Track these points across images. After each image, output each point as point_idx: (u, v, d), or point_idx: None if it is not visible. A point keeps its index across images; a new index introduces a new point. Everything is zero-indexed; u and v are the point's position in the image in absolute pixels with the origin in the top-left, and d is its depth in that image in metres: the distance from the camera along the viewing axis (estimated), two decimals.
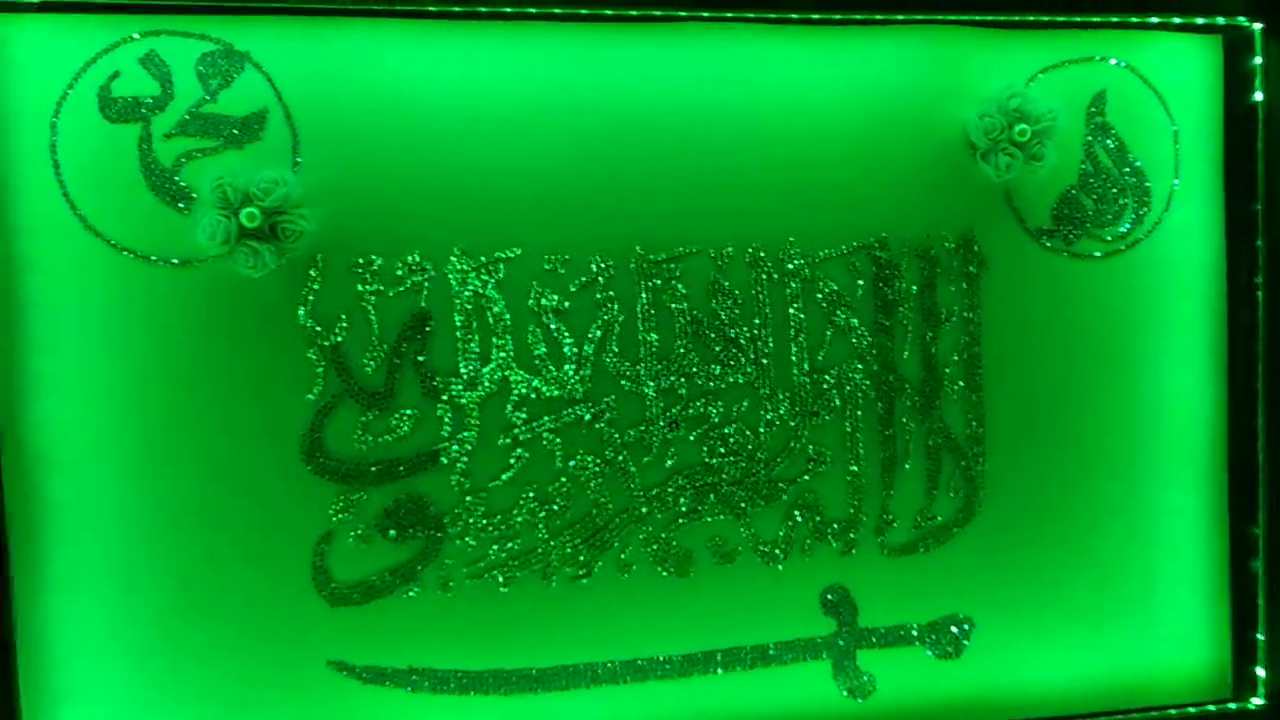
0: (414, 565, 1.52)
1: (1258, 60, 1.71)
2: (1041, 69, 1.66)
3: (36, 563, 1.42)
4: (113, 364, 1.42)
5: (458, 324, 1.51)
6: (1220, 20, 1.70)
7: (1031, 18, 1.65)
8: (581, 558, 1.56)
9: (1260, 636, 1.76)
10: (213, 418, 1.45)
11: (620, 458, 1.56)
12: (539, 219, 1.52)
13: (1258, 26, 1.70)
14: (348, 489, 1.49)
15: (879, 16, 1.59)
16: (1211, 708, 1.77)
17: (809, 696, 1.65)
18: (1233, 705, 1.77)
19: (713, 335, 1.58)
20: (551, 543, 1.55)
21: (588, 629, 1.57)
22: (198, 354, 1.44)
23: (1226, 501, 1.77)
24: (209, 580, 1.46)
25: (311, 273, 1.46)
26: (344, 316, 1.47)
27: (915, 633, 1.68)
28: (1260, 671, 1.76)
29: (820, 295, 1.61)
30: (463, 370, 1.51)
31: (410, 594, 1.52)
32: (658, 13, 1.54)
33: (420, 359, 1.50)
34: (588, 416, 1.55)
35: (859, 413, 1.63)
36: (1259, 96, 1.71)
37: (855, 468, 1.64)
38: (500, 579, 1.54)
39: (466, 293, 1.51)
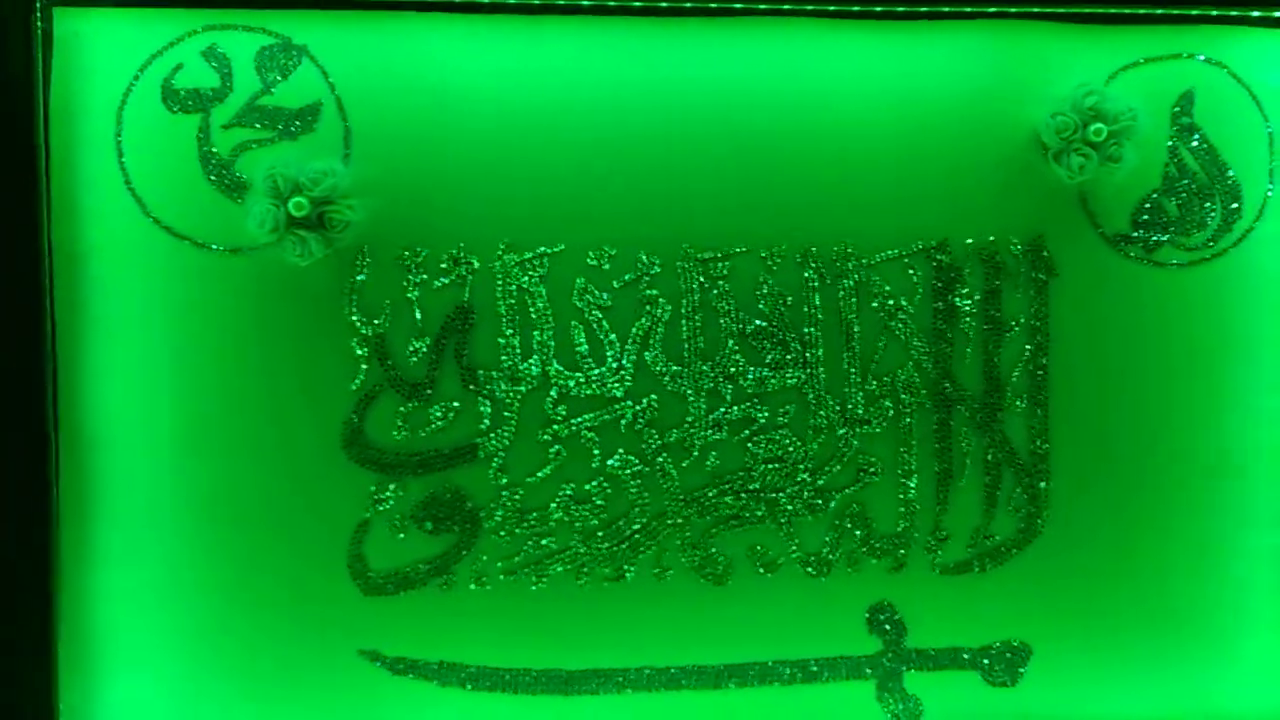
0: (448, 559, 1.51)
1: None
2: (1122, 66, 1.56)
3: (82, 539, 1.46)
4: (167, 348, 1.45)
5: (501, 316, 1.50)
6: None
7: (1114, 11, 1.55)
8: (617, 559, 1.54)
9: None
10: (259, 403, 1.47)
11: (660, 459, 1.53)
12: (586, 214, 1.50)
13: None
14: (386, 478, 1.49)
15: (946, 9, 1.53)
16: None
17: (851, 718, 1.58)
18: None
19: (761, 337, 1.53)
20: (587, 542, 1.53)
21: (621, 632, 1.54)
22: (247, 340, 1.46)
23: None
24: (249, 563, 1.48)
25: (357, 263, 1.48)
26: (388, 303, 1.48)
27: (967, 657, 1.60)
28: None
29: (875, 298, 1.55)
30: (504, 364, 1.50)
31: (443, 586, 1.51)
32: (713, 4, 1.51)
33: (462, 352, 1.50)
34: (629, 416, 1.52)
35: (913, 422, 1.57)
36: None
37: (908, 481, 1.57)
38: (534, 577, 1.53)
39: (511, 287, 1.50)
